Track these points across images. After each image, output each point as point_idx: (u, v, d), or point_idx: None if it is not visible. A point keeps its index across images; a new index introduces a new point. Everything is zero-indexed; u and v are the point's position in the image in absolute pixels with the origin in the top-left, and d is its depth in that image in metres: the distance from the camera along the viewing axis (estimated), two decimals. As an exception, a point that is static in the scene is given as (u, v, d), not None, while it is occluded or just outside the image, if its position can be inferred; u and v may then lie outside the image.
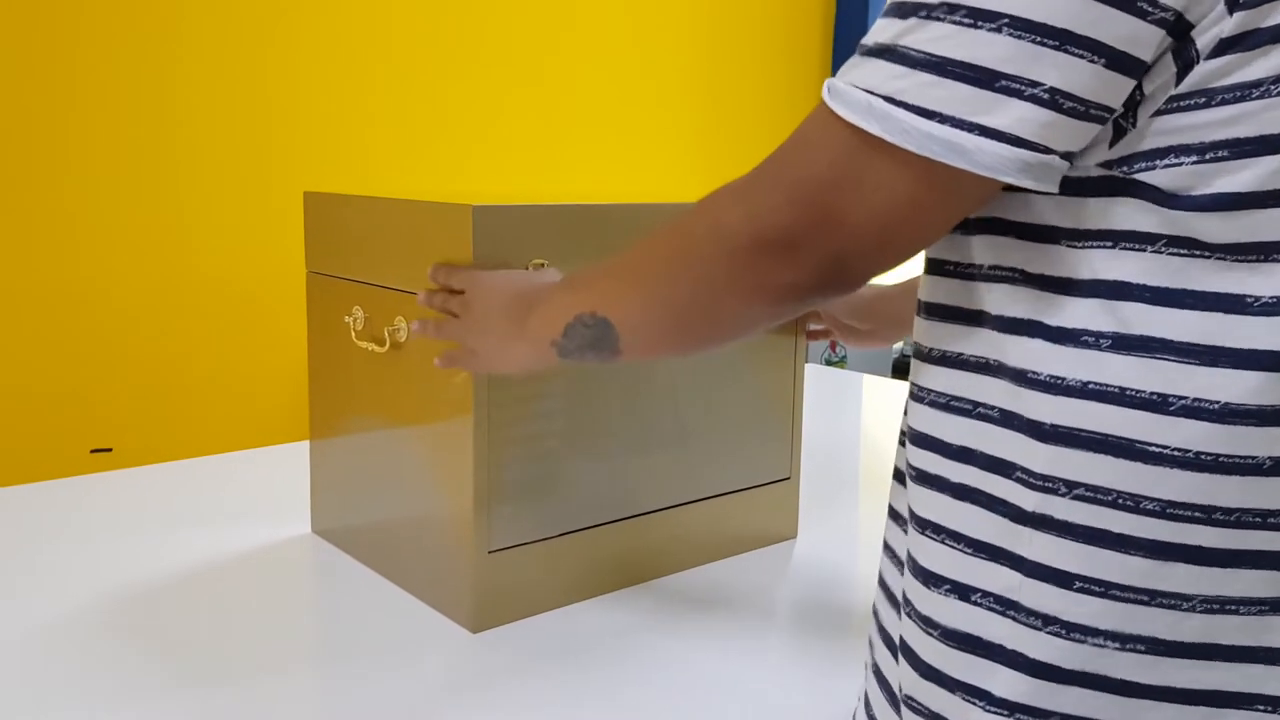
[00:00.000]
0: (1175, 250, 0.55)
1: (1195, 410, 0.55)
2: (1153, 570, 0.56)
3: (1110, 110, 0.54)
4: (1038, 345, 0.59)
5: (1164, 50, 0.53)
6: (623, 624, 1.09)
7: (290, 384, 2.27)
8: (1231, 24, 0.52)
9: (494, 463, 1.05)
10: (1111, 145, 0.56)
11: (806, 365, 1.38)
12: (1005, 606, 0.60)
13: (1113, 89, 0.54)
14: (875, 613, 0.73)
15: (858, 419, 2.00)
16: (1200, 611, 0.56)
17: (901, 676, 0.66)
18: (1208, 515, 0.55)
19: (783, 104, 3.21)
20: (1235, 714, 0.57)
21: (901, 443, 0.71)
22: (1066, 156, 0.55)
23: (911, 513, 0.66)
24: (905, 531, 0.69)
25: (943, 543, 0.63)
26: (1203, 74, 0.53)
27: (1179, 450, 0.55)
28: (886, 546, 0.72)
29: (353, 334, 1.17)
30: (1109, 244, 0.57)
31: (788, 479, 1.31)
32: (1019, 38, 0.53)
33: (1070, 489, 0.58)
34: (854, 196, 0.58)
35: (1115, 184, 0.56)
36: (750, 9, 3.08)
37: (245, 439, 2.18)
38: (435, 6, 2.44)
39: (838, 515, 1.42)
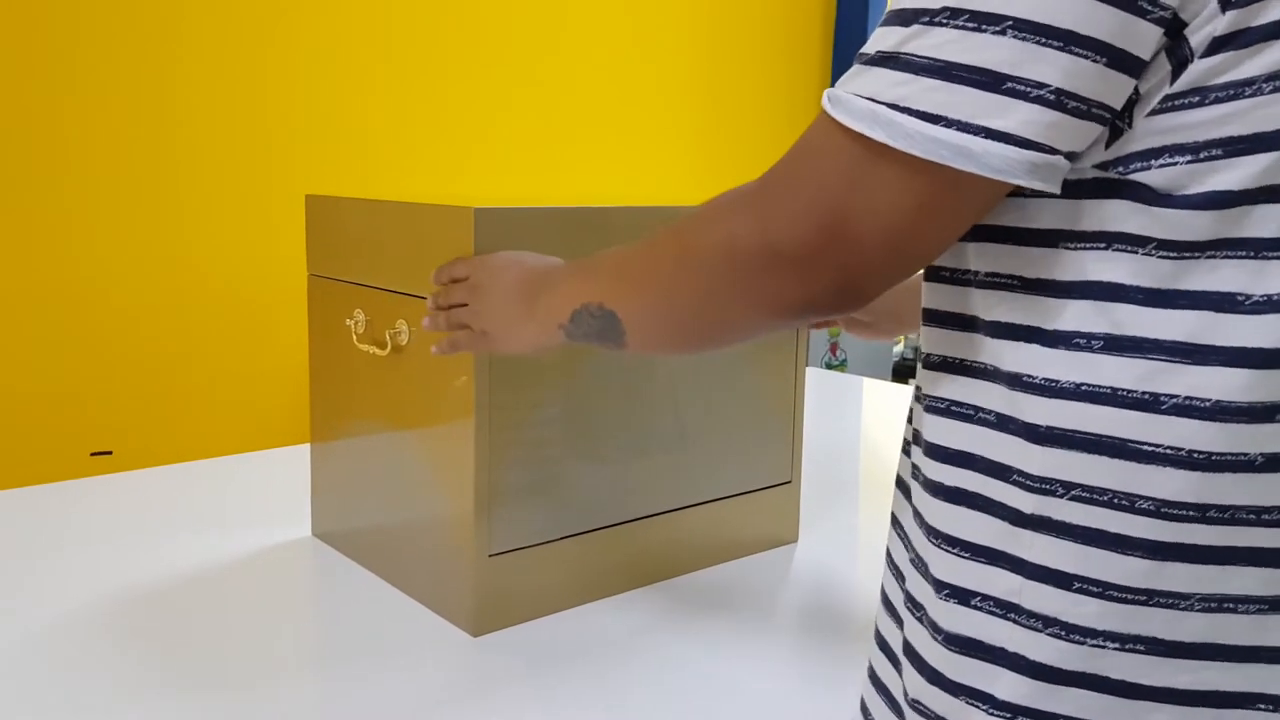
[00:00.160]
0: (1166, 252, 0.55)
1: (1187, 409, 0.55)
2: (1150, 570, 0.56)
3: (1111, 110, 0.55)
4: (1032, 349, 0.59)
5: (1159, 49, 0.54)
6: (624, 627, 1.09)
7: (291, 387, 2.27)
8: (1224, 22, 0.52)
9: (495, 466, 1.05)
10: (1108, 146, 0.56)
11: (807, 369, 1.38)
12: (1006, 610, 0.60)
13: (1114, 88, 0.54)
14: (876, 620, 0.73)
15: (858, 422, 2.00)
16: (1199, 611, 0.56)
17: (908, 681, 0.66)
18: (1202, 513, 0.56)
19: (783, 105, 3.21)
20: (1236, 714, 0.57)
21: (905, 450, 0.71)
22: (1070, 157, 0.56)
23: (922, 519, 0.66)
24: (904, 540, 0.69)
25: (941, 548, 0.63)
26: (1197, 73, 0.53)
27: (1172, 449, 0.55)
28: (888, 555, 0.72)
29: (354, 337, 1.17)
30: (1102, 245, 0.57)
31: (788, 483, 1.31)
32: (1024, 40, 0.53)
33: (1067, 490, 0.58)
34: (863, 208, 0.58)
35: (1110, 185, 0.56)
36: (750, 10, 3.08)
37: (246, 442, 2.17)
38: (435, 8, 2.44)
39: (838, 519, 1.42)
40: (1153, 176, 0.55)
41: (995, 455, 0.61)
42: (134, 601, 1.13)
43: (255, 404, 2.25)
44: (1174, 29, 0.53)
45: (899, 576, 0.69)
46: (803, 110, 3.25)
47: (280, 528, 1.34)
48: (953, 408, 0.64)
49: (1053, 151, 0.54)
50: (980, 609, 0.61)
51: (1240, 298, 0.54)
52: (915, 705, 0.65)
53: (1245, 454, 0.55)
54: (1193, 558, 0.56)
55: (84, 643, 1.04)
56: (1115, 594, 0.57)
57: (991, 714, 0.60)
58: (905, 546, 0.69)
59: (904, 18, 0.57)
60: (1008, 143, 0.54)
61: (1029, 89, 0.53)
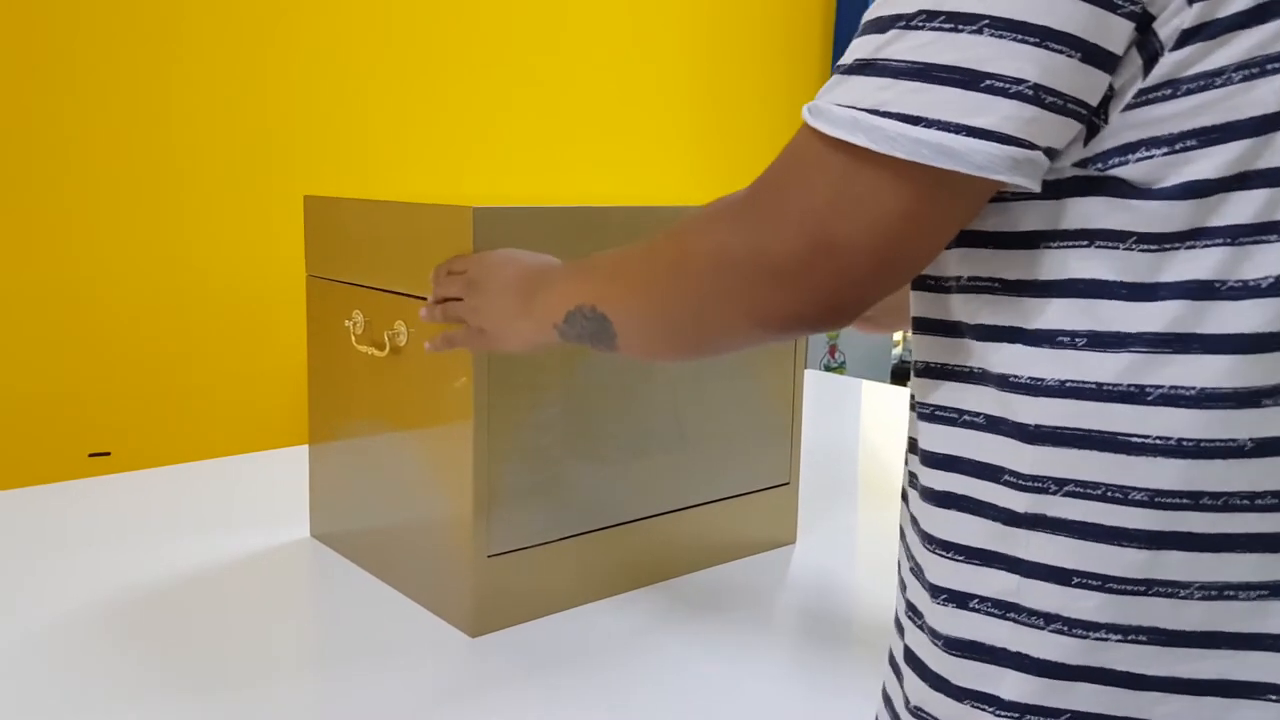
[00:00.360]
0: (1147, 246, 0.56)
1: (1172, 398, 0.56)
2: (1148, 560, 0.57)
3: (1086, 106, 0.55)
4: (1016, 349, 0.60)
5: (1131, 44, 0.54)
6: (622, 628, 1.09)
7: (290, 388, 2.27)
8: (1191, 15, 0.53)
9: (493, 467, 1.05)
10: (1086, 143, 0.57)
11: (805, 370, 1.38)
12: (1005, 610, 0.60)
13: (1089, 84, 0.55)
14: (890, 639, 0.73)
15: (857, 424, 2.00)
16: (1199, 599, 0.57)
17: (910, 689, 0.66)
18: (1195, 501, 0.56)
19: (783, 105, 3.21)
20: (1246, 704, 0.57)
21: (906, 459, 0.71)
22: (1049, 154, 0.56)
23: (919, 526, 0.66)
24: (906, 550, 0.69)
25: (936, 553, 0.63)
26: (1168, 66, 0.54)
27: (1160, 439, 0.56)
28: (897, 568, 0.72)
29: (352, 338, 1.17)
30: (1084, 243, 0.57)
31: (787, 484, 1.31)
32: (1000, 37, 0.54)
33: (1060, 487, 0.58)
34: (851, 217, 0.58)
35: (1089, 183, 0.57)
36: (750, 9, 3.08)
37: (244, 443, 2.17)
38: (435, 7, 2.44)
39: (836, 520, 1.42)
40: (1130, 171, 0.55)
41: (984, 457, 0.61)
42: (132, 602, 1.13)
43: (254, 405, 2.25)
44: (1144, 23, 0.54)
45: (901, 587, 0.70)
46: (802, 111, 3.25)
47: (279, 529, 1.34)
48: (937, 412, 0.64)
49: (1032, 147, 0.55)
50: (979, 611, 0.61)
51: (1218, 284, 0.55)
52: (918, 713, 0.65)
53: (1234, 439, 0.55)
54: (1189, 546, 0.56)
55: (83, 643, 1.04)
56: (1115, 586, 0.57)
57: (998, 715, 0.60)
58: (906, 556, 0.69)
59: (880, 25, 0.57)
60: (989, 139, 0.54)
61: (1008, 85, 0.54)
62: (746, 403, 1.24)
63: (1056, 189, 0.58)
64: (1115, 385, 0.57)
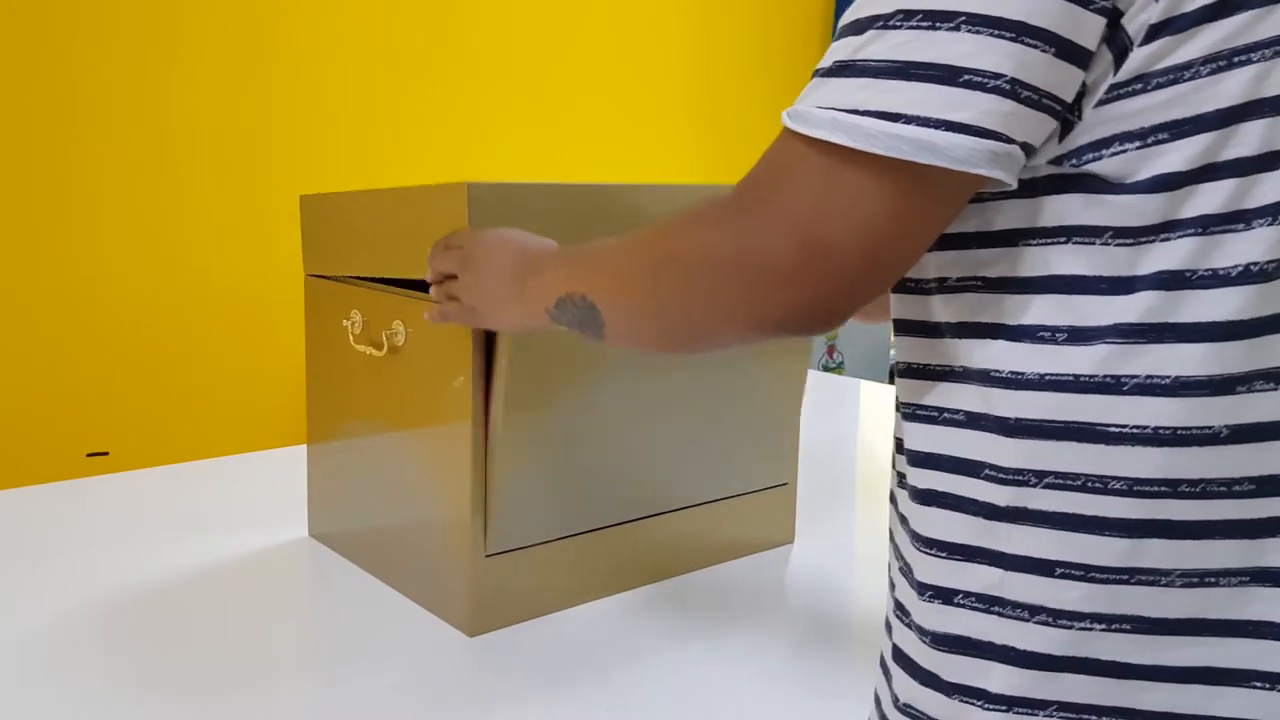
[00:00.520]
0: (1123, 240, 0.56)
1: (1148, 387, 0.56)
2: (1129, 549, 0.57)
3: (1061, 101, 0.56)
4: (998, 345, 0.60)
5: (1102, 39, 0.55)
6: (620, 629, 1.09)
7: (288, 387, 2.27)
8: (1157, 10, 0.54)
9: (492, 467, 1.05)
10: (1060, 140, 0.57)
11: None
12: (990, 604, 0.61)
13: (1064, 79, 0.55)
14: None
15: (855, 425, 2.00)
16: (1180, 586, 0.57)
17: (899, 686, 0.66)
18: (1174, 489, 0.57)
19: (782, 104, 3.21)
20: (1230, 690, 0.58)
21: (893, 461, 0.72)
22: (1025, 149, 0.57)
23: (908, 525, 0.66)
24: (895, 550, 0.70)
25: (922, 551, 0.64)
26: (1137, 61, 0.55)
27: (1137, 428, 0.57)
28: (887, 570, 0.72)
29: (351, 338, 1.17)
30: (1062, 240, 0.58)
31: (785, 484, 1.31)
32: (977, 32, 0.54)
33: (1040, 479, 0.59)
34: (836, 219, 0.58)
35: (1065, 180, 0.58)
36: (750, 9, 3.08)
37: (242, 443, 2.17)
38: (435, 7, 2.44)
39: (834, 521, 1.42)
40: (1104, 166, 0.56)
41: (964, 453, 0.62)
42: (130, 602, 1.13)
43: (252, 405, 2.25)
44: (1114, 18, 0.55)
45: (891, 587, 0.70)
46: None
47: (277, 528, 1.34)
48: (919, 411, 0.65)
49: (1010, 141, 0.56)
50: (963, 606, 0.62)
51: (1189, 274, 0.55)
52: (908, 710, 0.65)
53: (1209, 427, 0.56)
54: (1169, 533, 0.57)
55: (80, 644, 1.04)
56: (1098, 576, 0.58)
57: (987, 709, 0.61)
58: (896, 556, 0.69)
59: (858, 27, 0.58)
60: (968, 133, 0.55)
61: (986, 79, 0.54)
62: (745, 403, 1.24)
63: (1033, 187, 0.59)
64: (1092, 376, 0.57)
